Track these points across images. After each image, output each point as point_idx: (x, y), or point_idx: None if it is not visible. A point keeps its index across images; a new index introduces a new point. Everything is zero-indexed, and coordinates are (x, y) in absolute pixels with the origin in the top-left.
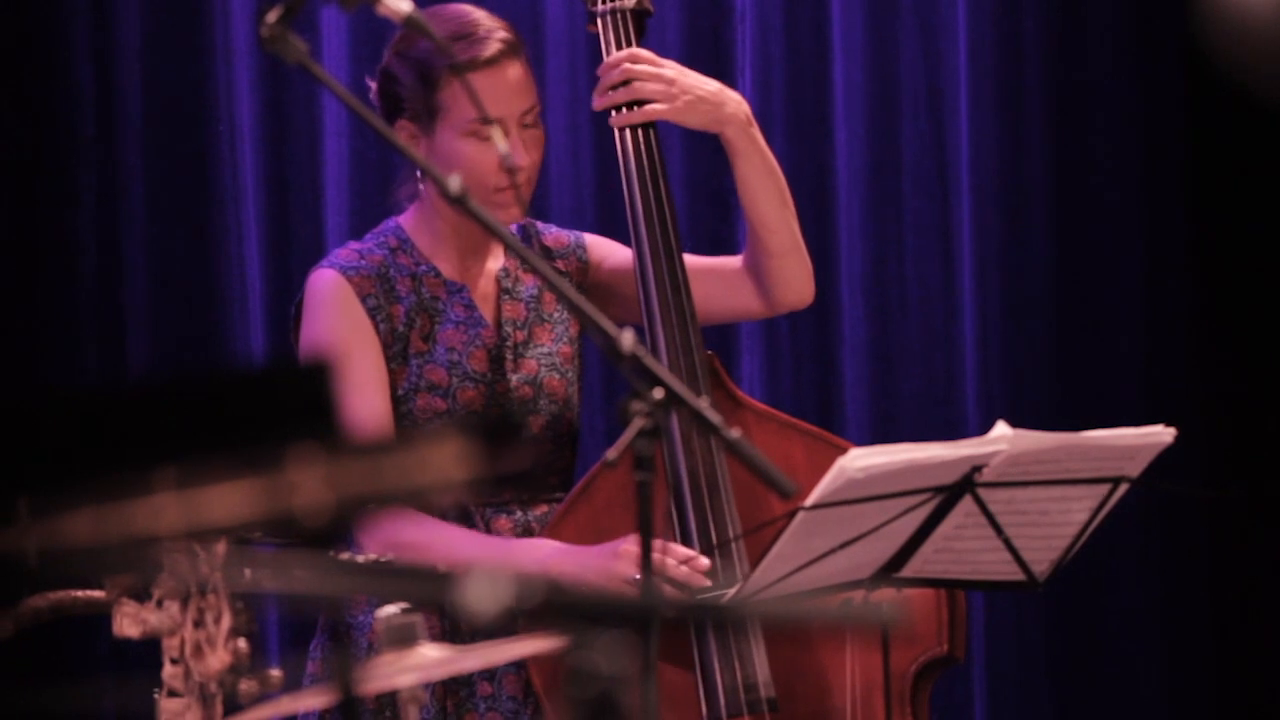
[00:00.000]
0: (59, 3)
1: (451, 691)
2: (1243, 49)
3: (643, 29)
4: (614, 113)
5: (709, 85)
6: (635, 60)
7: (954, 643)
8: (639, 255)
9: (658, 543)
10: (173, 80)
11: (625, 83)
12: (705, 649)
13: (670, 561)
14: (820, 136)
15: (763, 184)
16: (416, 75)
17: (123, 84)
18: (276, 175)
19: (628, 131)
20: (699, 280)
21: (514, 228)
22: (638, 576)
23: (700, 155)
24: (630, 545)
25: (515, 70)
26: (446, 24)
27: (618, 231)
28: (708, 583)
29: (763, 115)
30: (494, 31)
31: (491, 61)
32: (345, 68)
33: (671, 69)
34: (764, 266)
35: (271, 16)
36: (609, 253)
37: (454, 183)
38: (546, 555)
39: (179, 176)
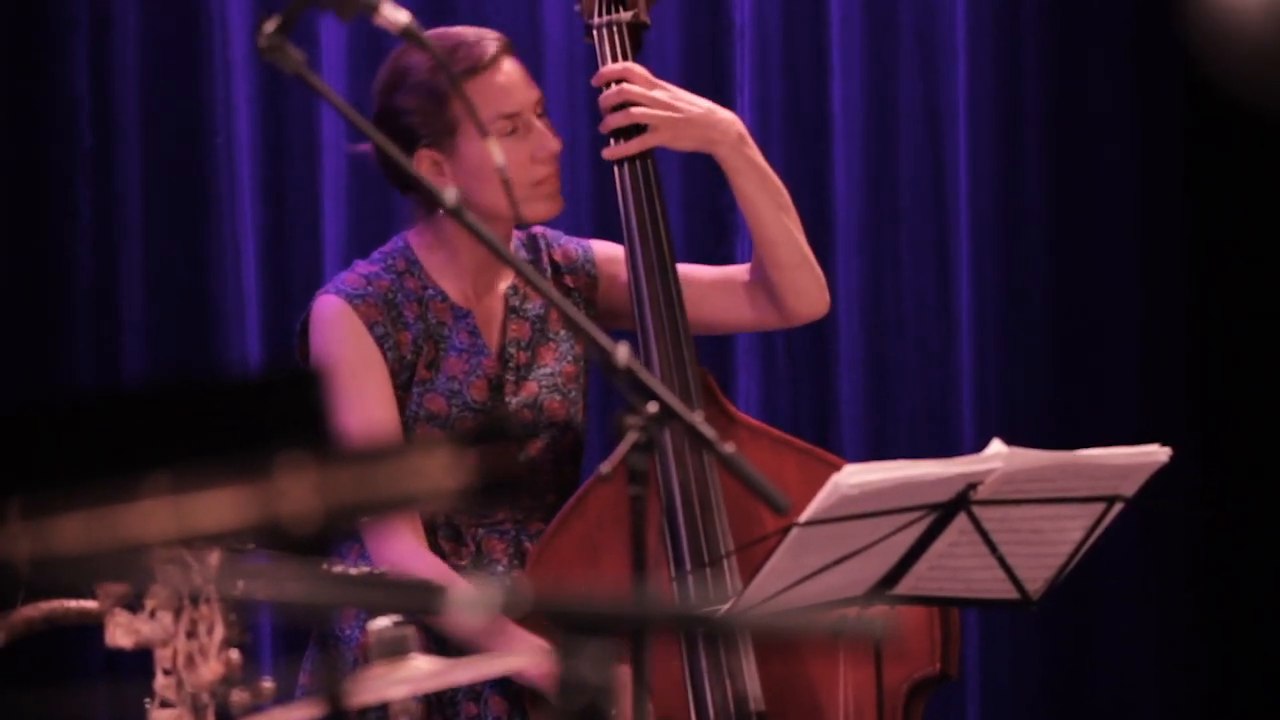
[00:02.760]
0: (58, 12)
1: (436, 710)
2: (1237, 62)
3: (639, 43)
4: (611, 141)
5: (699, 105)
6: (629, 79)
7: (947, 661)
8: (633, 273)
9: None
10: (170, 91)
11: (621, 105)
12: (695, 662)
13: None
14: (819, 154)
15: (762, 199)
16: (422, 98)
17: (121, 94)
18: (274, 188)
19: (625, 163)
20: (709, 293)
21: (522, 237)
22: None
23: (698, 174)
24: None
25: (515, 65)
26: (436, 43)
27: (614, 241)
28: None
29: (761, 132)
30: (484, 36)
31: (494, 60)
32: (343, 80)
33: (663, 91)
34: (773, 280)
35: (269, 26)
36: (616, 271)
37: (450, 195)
38: (538, 650)
39: (176, 188)
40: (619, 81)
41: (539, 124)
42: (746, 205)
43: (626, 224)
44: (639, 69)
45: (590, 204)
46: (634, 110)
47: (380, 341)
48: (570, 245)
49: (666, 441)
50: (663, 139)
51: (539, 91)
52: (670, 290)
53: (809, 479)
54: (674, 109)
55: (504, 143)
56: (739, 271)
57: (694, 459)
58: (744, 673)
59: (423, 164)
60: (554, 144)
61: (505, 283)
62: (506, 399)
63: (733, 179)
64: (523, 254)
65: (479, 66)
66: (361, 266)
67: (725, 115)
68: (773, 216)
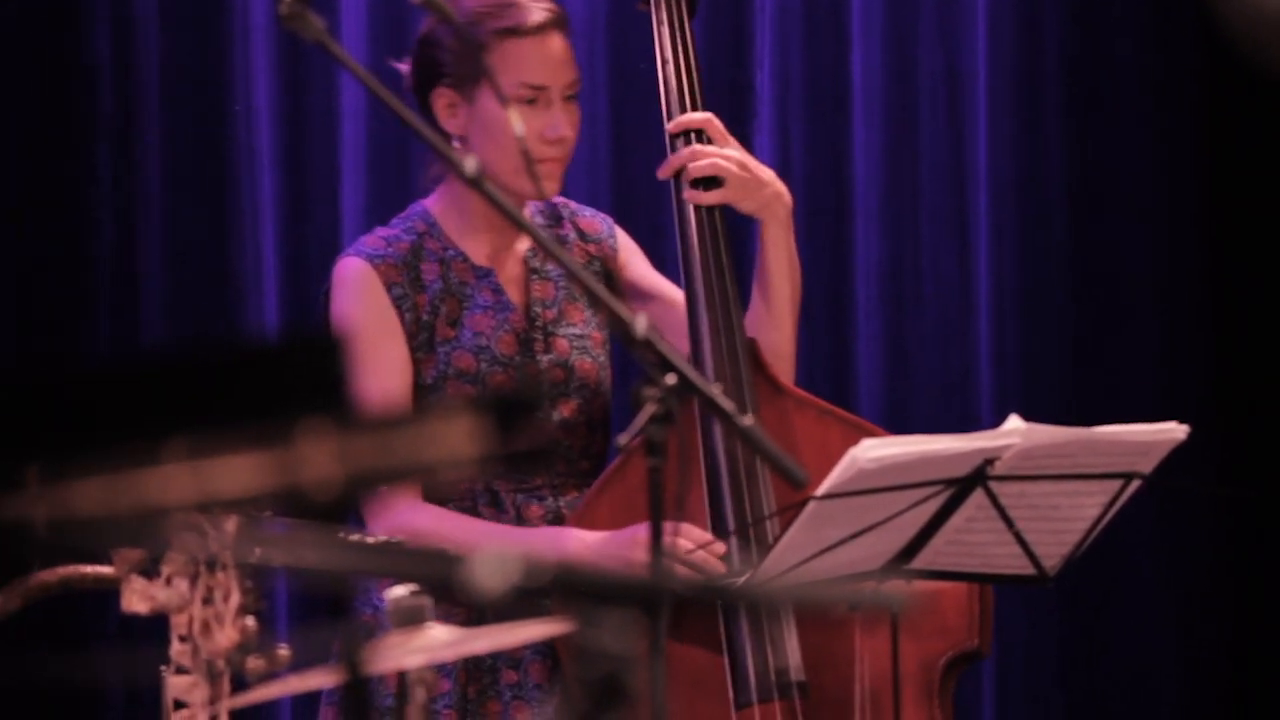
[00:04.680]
0: None
1: (474, 678)
2: (1259, 28)
3: (694, 10)
4: (686, 188)
5: (766, 171)
6: (709, 130)
7: (983, 637)
8: (683, 235)
9: (670, 525)
10: (191, 60)
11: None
12: (736, 633)
13: (684, 544)
14: (838, 125)
15: (782, 281)
16: (459, 38)
17: (141, 62)
18: (293, 156)
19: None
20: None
21: (538, 205)
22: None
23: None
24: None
25: (559, 41)
26: None
27: (634, 217)
28: (723, 568)
29: (781, 103)
30: (538, 3)
31: (538, 29)
32: (364, 49)
33: (735, 149)
34: None
35: None
36: (629, 260)
37: (470, 164)
38: (564, 545)
39: (196, 156)
40: (698, 133)
41: (560, 105)
42: (766, 281)
43: (679, 203)
44: (717, 121)
45: (608, 172)
46: (718, 162)
47: (398, 303)
48: (596, 220)
49: None
50: (733, 196)
51: (575, 74)
52: (721, 256)
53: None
54: (747, 168)
55: (520, 110)
56: None
57: None
58: (785, 644)
59: (439, 101)
60: (565, 128)
61: (524, 244)
62: (537, 356)
63: (768, 251)
64: (540, 220)
65: (518, 30)
66: (382, 230)
67: (783, 187)
68: (784, 301)
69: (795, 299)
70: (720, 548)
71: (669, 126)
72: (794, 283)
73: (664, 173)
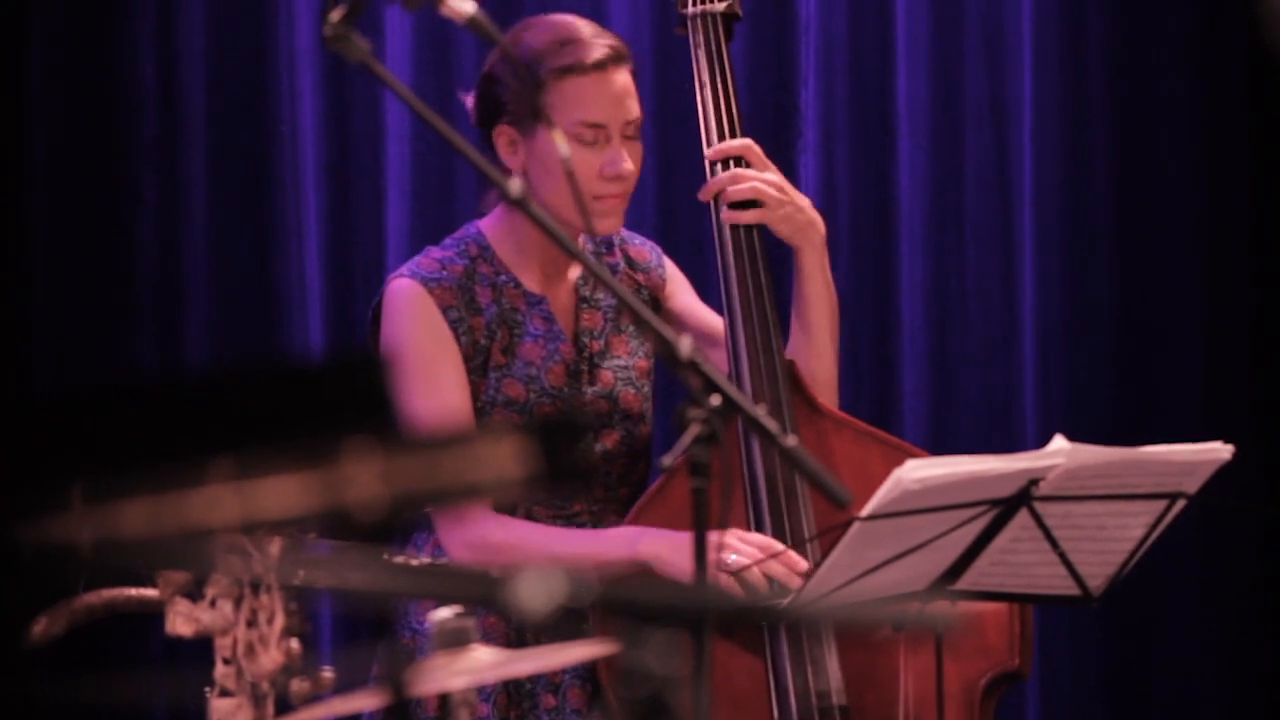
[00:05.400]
0: (124, 1)
1: (515, 703)
2: None
3: (731, 33)
4: (724, 209)
5: (803, 198)
6: (747, 156)
7: (1024, 658)
8: (722, 256)
9: (757, 539)
10: (236, 80)
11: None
12: (778, 654)
13: (746, 550)
14: (883, 148)
15: (820, 308)
16: (519, 77)
17: (186, 83)
18: (338, 177)
19: (731, 227)
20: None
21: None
22: (733, 565)
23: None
24: (730, 538)
25: (621, 78)
26: (551, 30)
27: (676, 236)
28: (796, 581)
29: (826, 127)
30: (600, 37)
31: (597, 67)
32: (408, 70)
33: (774, 174)
34: None
35: (335, 15)
36: (676, 291)
37: (514, 186)
38: (639, 545)
39: (241, 176)
40: (737, 158)
41: (620, 142)
42: (804, 310)
43: (718, 226)
44: (756, 147)
45: (651, 191)
46: (757, 185)
47: (454, 326)
48: (645, 249)
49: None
50: (770, 218)
51: (637, 111)
52: (760, 275)
53: (893, 471)
54: (785, 193)
55: (578, 150)
56: None
57: None
58: (826, 665)
59: (501, 138)
60: (624, 165)
61: (576, 273)
62: (583, 388)
63: (804, 280)
64: (589, 247)
65: (576, 68)
66: (435, 252)
67: (818, 216)
68: (823, 329)
69: (834, 327)
70: (797, 560)
71: (708, 154)
72: (832, 310)
73: (705, 195)
